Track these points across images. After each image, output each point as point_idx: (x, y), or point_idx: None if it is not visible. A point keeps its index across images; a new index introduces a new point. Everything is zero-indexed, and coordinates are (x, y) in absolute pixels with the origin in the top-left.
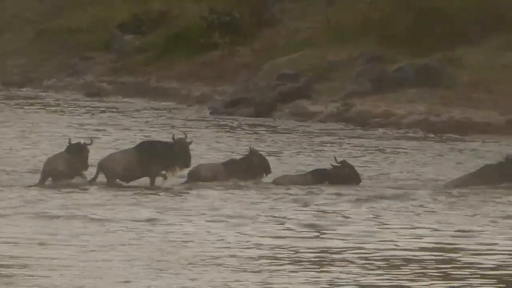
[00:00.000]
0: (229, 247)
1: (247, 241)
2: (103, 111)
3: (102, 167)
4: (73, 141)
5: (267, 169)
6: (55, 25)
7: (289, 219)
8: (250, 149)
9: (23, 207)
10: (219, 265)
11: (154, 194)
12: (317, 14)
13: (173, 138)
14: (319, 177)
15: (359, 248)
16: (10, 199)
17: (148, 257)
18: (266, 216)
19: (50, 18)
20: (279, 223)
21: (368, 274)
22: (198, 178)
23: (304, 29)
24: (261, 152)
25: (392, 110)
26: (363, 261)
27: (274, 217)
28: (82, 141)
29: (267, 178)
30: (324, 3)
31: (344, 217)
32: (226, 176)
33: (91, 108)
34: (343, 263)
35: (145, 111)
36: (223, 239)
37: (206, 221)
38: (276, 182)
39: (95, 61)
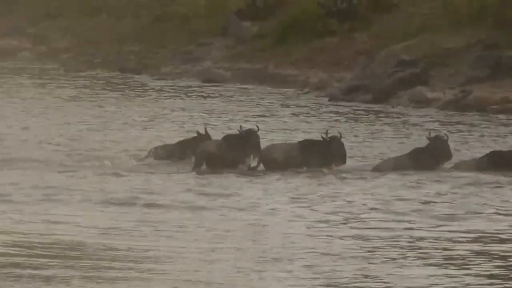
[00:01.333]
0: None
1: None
2: (228, 97)
3: (264, 155)
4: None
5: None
6: (171, 11)
7: None
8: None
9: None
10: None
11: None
12: (434, 0)
13: (326, 135)
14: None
15: None
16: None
17: (260, 248)
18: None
19: (166, 3)
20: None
21: None
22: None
23: (421, 14)
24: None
25: (510, 97)
26: None
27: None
28: (251, 127)
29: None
30: None
31: None
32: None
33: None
34: None
35: (266, 97)
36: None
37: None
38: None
39: (212, 47)
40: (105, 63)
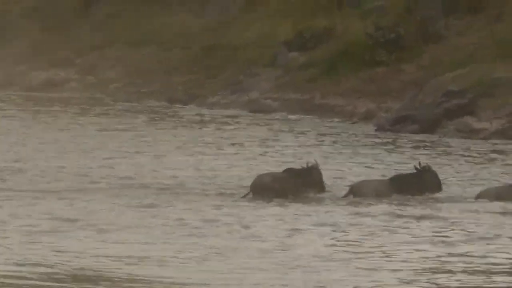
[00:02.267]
0: None
1: None
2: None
3: (354, 191)
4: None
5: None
6: (219, 42)
7: None
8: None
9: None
10: None
11: None
12: (482, 29)
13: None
14: None
15: None
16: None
17: None
18: None
19: (215, 34)
20: None
21: None
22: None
23: (469, 44)
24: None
25: None
26: None
27: None
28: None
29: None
30: (490, 18)
31: None
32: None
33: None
34: None
35: (314, 129)
36: None
37: None
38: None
39: (260, 78)
40: (153, 94)
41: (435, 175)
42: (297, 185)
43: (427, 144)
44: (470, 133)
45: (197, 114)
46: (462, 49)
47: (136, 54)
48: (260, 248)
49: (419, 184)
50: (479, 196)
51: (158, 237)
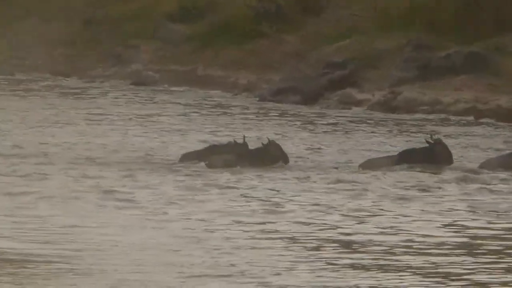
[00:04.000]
0: None
1: None
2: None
3: (364, 168)
4: None
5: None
6: (101, 15)
7: None
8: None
9: None
10: None
11: None
12: (364, 1)
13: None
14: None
15: None
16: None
17: None
18: None
19: (96, 7)
20: None
21: None
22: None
23: (350, 16)
24: None
25: (439, 98)
26: None
27: None
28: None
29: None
30: None
31: None
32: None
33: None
34: None
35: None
36: None
37: None
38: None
39: (142, 50)
40: (36, 67)
41: (446, 148)
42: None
43: (294, 113)
44: (352, 104)
45: (77, 88)
46: (343, 20)
47: (18, 27)
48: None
49: (430, 158)
50: (482, 167)
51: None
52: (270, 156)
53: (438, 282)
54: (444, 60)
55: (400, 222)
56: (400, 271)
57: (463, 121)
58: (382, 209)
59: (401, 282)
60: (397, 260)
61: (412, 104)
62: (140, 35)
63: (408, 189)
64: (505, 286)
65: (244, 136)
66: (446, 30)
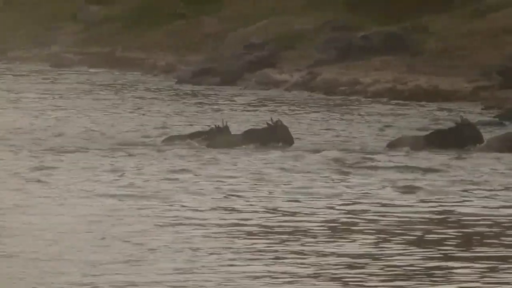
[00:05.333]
0: None
1: None
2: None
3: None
4: None
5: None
6: None
7: None
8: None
9: None
10: None
11: None
12: None
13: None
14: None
15: None
16: None
17: None
18: None
19: None
20: None
21: None
22: None
23: None
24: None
25: (359, 79)
26: None
27: None
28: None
29: None
30: None
31: None
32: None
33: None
34: None
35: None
36: None
37: None
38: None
39: (61, 32)
40: None
41: (474, 128)
42: None
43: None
44: (271, 85)
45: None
46: (263, 1)
47: None
48: None
49: (458, 138)
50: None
51: None
52: (275, 137)
53: None
54: (363, 41)
55: None
56: None
57: (382, 101)
58: None
59: None
60: None
61: (331, 84)
62: (60, 17)
63: None
64: None
65: (223, 120)
66: (365, 11)
